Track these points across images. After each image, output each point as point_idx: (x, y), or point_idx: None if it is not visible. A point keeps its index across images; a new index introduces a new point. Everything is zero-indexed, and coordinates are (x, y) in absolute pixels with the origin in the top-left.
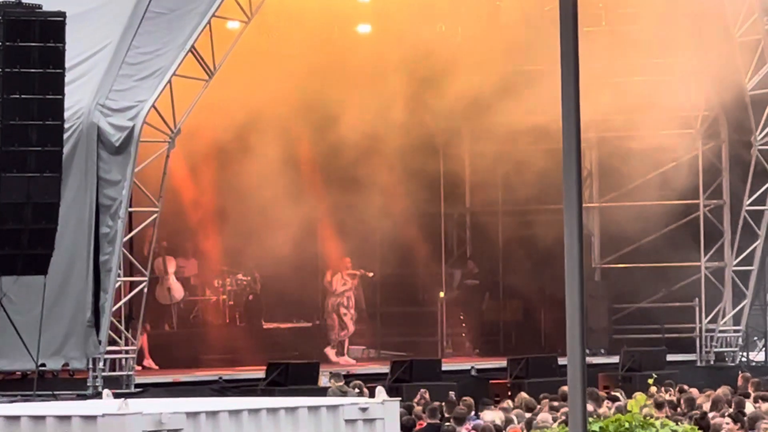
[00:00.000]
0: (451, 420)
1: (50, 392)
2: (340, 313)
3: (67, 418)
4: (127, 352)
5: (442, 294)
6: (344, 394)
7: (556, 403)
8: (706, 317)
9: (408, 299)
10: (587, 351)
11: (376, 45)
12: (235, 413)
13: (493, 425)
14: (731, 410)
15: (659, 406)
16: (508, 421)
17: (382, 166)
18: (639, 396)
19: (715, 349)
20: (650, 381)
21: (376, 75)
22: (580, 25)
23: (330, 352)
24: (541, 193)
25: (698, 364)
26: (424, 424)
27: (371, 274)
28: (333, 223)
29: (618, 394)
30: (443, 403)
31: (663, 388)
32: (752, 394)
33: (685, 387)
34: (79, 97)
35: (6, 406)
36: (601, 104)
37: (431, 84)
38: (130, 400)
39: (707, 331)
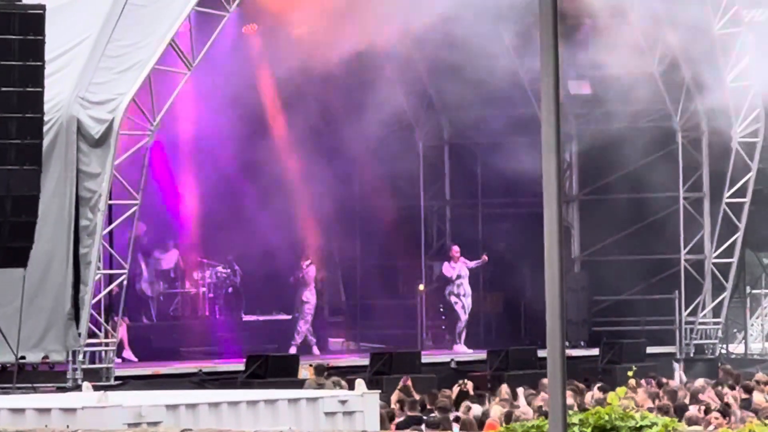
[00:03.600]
0: (435, 411)
1: (30, 385)
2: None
3: (47, 410)
4: (106, 344)
5: (421, 286)
6: (321, 387)
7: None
8: (686, 310)
9: (388, 292)
10: (567, 343)
11: (358, 31)
12: (214, 405)
13: (474, 418)
14: (718, 404)
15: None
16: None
17: (362, 159)
18: (619, 389)
19: (695, 342)
20: (630, 373)
21: (357, 64)
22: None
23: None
24: (521, 186)
25: (678, 356)
26: (404, 417)
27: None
28: (313, 215)
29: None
30: (425, 396)
31: (643, 381)
32: (734, 387)
33: (664, 379)
34: (58, 90)
35: None
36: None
37: (414, 74)
38: (109, 393)
39: (687, 323)
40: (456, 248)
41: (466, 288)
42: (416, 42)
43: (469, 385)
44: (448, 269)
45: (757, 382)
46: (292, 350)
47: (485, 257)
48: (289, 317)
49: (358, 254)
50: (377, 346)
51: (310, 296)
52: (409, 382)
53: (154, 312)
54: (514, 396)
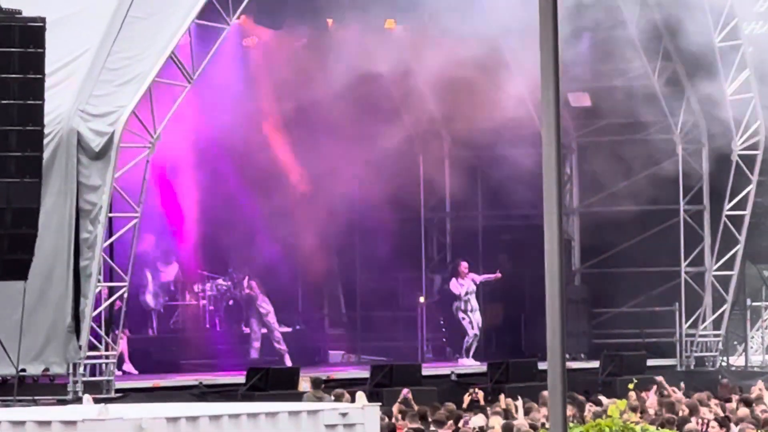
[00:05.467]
0: (432, 424)
1: (30, 397)
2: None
3: (47, 423)
4: (107, 357)
5: (422, 299)
6: (320, 400)
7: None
8: (686, 322)
9: (388, 304)
10: (567, 356)
11: (360, 44)
12: (215, 418)
13: (473, 430)
14: (714, 414)
15: (639, 410)
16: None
17: (363, 171)
18: (619, 401)
19: (695, 354)
20: (630, 386)
21: (358, 78)
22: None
23: None
24: (521, 198)
25: (678, 368)
26: (404, 429)
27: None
28: (313, 228)
29: (602, 399)
30: (426, 408)
31: (644, 393)
32: (733, 399)
33: (665, 392)
34: (59, 103)
35: None
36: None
37: (415, 88)
38: (110, 406)
39: (687, 335)
40: (465, 264)
41: (473, 303)
42: (418, 57)
43: (480, 394)
44: (456, 286)
45: (758, 398)
46: (289, 362)
47: (498, 274)
48: (290, 329)
49: (359, 266)
50: (378, 358)
51: (266, 306)
52: (410, 395)
53: (154, 325)
54: (515, 408)
